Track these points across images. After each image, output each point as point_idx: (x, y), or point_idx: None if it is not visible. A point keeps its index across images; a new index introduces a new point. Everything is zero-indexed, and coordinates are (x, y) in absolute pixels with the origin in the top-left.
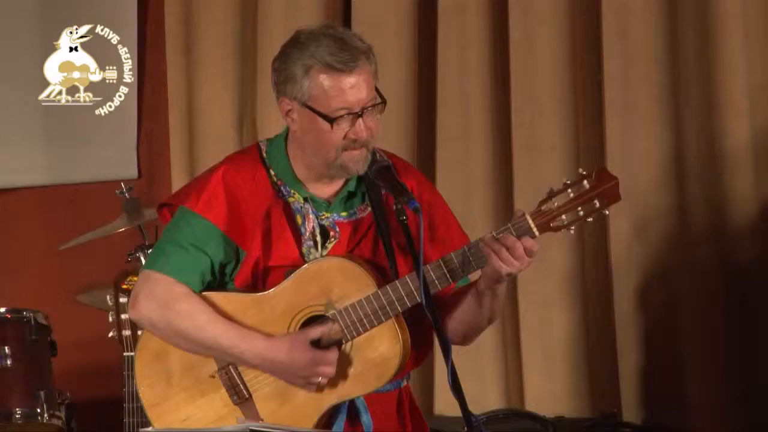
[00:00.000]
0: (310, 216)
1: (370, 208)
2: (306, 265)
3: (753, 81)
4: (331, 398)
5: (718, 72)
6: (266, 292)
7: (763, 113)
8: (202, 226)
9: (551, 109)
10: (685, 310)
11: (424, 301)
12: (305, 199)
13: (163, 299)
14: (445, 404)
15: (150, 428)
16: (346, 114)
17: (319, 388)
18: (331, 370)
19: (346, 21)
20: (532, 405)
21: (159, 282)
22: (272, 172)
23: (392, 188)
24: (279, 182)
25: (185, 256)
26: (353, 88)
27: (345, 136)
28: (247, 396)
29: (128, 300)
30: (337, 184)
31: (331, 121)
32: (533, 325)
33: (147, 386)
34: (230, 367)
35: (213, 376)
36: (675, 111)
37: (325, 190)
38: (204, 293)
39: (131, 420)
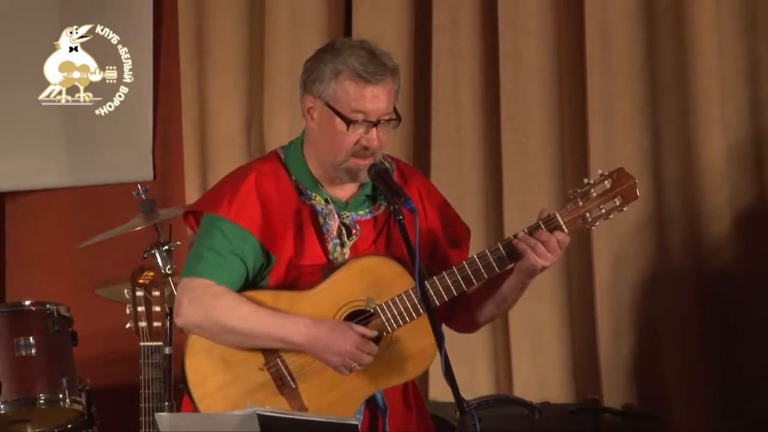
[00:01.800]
0: (334, 215)
1: (383, 207)
2: (347, 263)
3: (725, 90)
4: (370, 387)
5: (694, 81)
6: (310, 289)
7: (735, 121)
8: (235, 233)
9: (538, 116)
10: (662, 304)
11: (419, 295)
12: (326, 201)
13: (204, 300)
14: (438, 391)
15: (164, 413)
16: (363, 120)
17: (360, 378)
18: (369, 358)
19: (347, 34)
20: (519, 391)
21: (198, 286)
22: (293, 177)
23: (389, 189)
24: (300, 186)
25: (221, 260)
26: (375, 98)
27: (357, 142)
28: (293, 387)
29: (141, 297)
30: (352, 188)
31: (349, 122)
32: (522, 318)
33: (198, 380)
34: (278, 360)
35: (261, 369)
36: (653, 118)
37: (341, 193)
38: (249, 292)
39: (147, 405)
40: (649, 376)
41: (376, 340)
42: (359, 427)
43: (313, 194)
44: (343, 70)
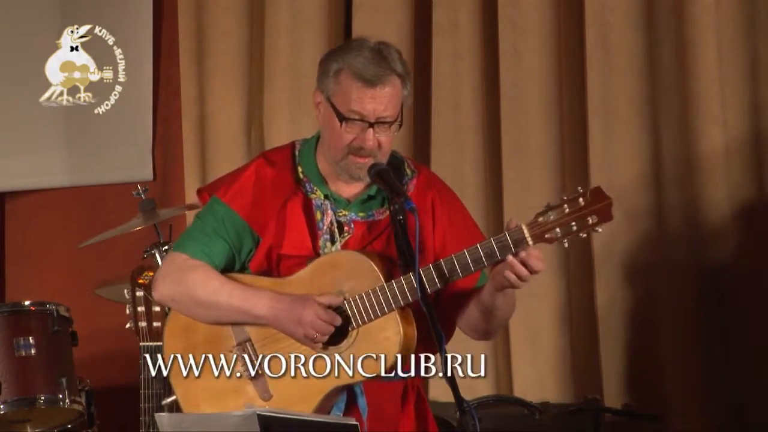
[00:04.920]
0: (329, 212)
1: (388, 213)
2: (323, 256)
3: (726, 91)
4: (334, 380)
5: (693, 82)
6: (286, 277)
7: (735, 121)
8: (226, 215)
9: (538, 116)
10: (662, 303)
11: (419, 295)
12: (326, 197)
13: (178, 273)
14: (439, 391)
15: (163, 413)
16: (358, 120)
17: (324, 369)
18: (329, 328)
19: (347, 34)
20: (519, 391)
21: (175, 260)
22: (300, 169)
23: (390, 189)
24: (305, 179)
25: (206, 239)
26: (373, 99)
27: (353, 141)
28: (260, 372)
29: (141, 297)
30: (358, 187)
31: (342, 119)
32: (521, 318)
33: (173, 357)
34: (246, 343)
35: (231, 352)
36: (653, 118)
37: (346, 190)
38: (228, 274)
39: (146, 405)
40: (649, 375)
41: (343, 334)
42: (359, 427)
43: (315, 188)
44: (344, 69)
